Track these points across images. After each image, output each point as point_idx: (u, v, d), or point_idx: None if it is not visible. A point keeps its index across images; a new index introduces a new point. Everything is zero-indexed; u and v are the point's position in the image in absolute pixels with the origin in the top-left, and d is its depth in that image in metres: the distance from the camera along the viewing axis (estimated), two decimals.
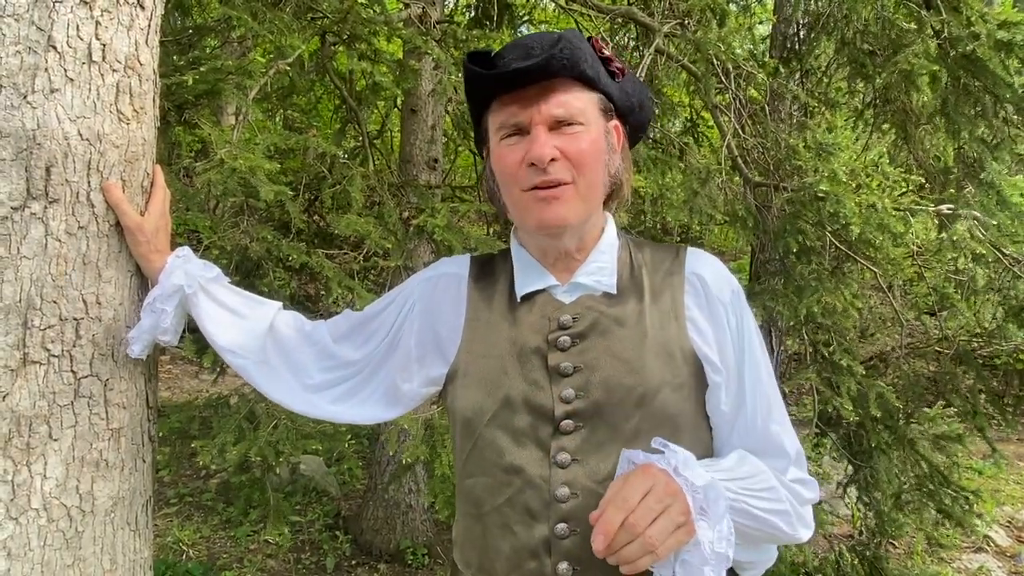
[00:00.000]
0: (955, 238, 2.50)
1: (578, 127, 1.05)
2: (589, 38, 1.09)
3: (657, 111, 3.57)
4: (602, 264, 1.13)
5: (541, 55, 1.01)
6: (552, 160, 1.02)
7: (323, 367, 1.27)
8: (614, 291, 1.11)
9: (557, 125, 1.04)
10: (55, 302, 1.16)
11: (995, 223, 2.64)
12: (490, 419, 1.09)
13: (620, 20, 3.23)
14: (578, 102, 1.05)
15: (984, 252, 2.52)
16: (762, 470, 1.05)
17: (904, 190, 2.72)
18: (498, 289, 1.17)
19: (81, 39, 1.15)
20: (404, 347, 1.21)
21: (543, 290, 1.13)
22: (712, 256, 1.15)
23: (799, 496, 1.06)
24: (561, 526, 1.04)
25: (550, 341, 1.09)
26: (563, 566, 1.04)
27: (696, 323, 1.09)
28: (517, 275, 1.16)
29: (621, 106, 1.13)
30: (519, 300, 1.14)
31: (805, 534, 1.06)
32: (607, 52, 1.10)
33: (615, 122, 1.13)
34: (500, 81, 1.05)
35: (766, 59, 3.22)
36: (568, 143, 1.04)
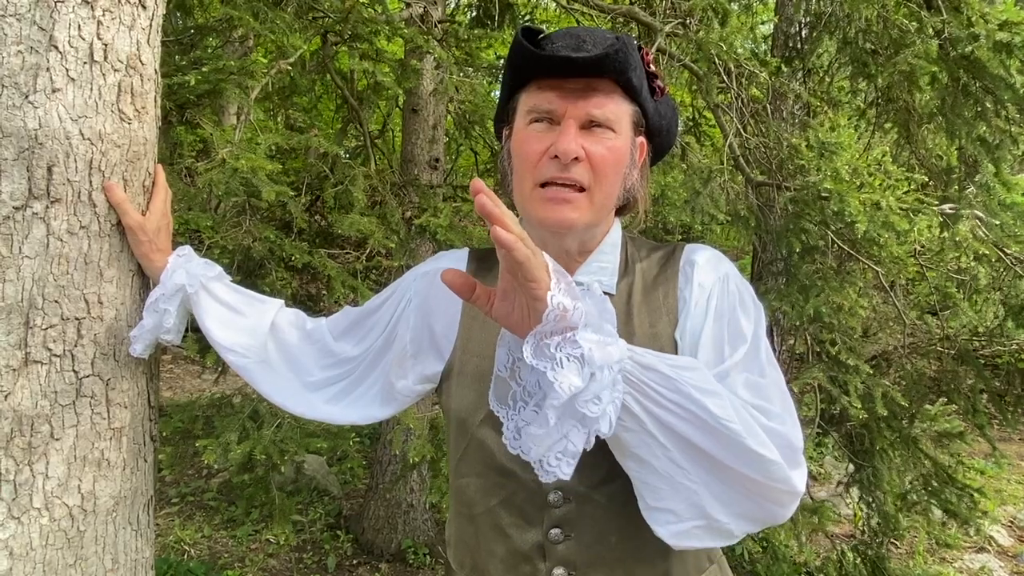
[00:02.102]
0: (957, 238, 2.49)
1: (609, 133, 1.02)
2: (639, 48, 1.06)
3: None
4: (603, 264, 1.11)
5: (594, 51, 0.99)
6: (575, 159, 1.00)
7: (323, 365, 1.27)
8: (613, 291, 1.10)
9: (589, 125, 1.02)
10: (57, 302, 1.16)
11: (998, 223, 2.63)
12: (483, 419, 1.07)
13: (622, 20, 3.23)
14: (616, 109, 1.03)
15: (987, 252, 2.51)
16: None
17: (907, 189, 2.72)
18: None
19: (83, 39, 1.15)
20: (400, 343, 1.20)
21: None
22: (712, 248, 1.12)
23: (751, 413, 0.89)
24: (555, 531, 1.03)
25: None
26: (558, 571, 1.03)
27: (686, 312, 1.06)
28: None
29: (652, 125, 1.10)
30: None
31: (770, 454, 0.84)
32: (653, 68, 1.08)
33: (642, 139, 1.10)
34: (548, 65, 1.02)
35: (768, 58, 3.21)
36: (595, 146, 1.01)
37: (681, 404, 0.84)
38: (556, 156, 1.00)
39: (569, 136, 1.00)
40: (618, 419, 0.82)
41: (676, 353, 1.04)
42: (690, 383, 0.84)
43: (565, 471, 0.80)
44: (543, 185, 1.03)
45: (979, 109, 2.84)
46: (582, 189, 1.02)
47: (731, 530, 0.88)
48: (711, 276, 1.07)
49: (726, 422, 0.83)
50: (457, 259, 1.22)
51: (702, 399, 0.83)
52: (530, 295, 0.77)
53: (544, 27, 1.13)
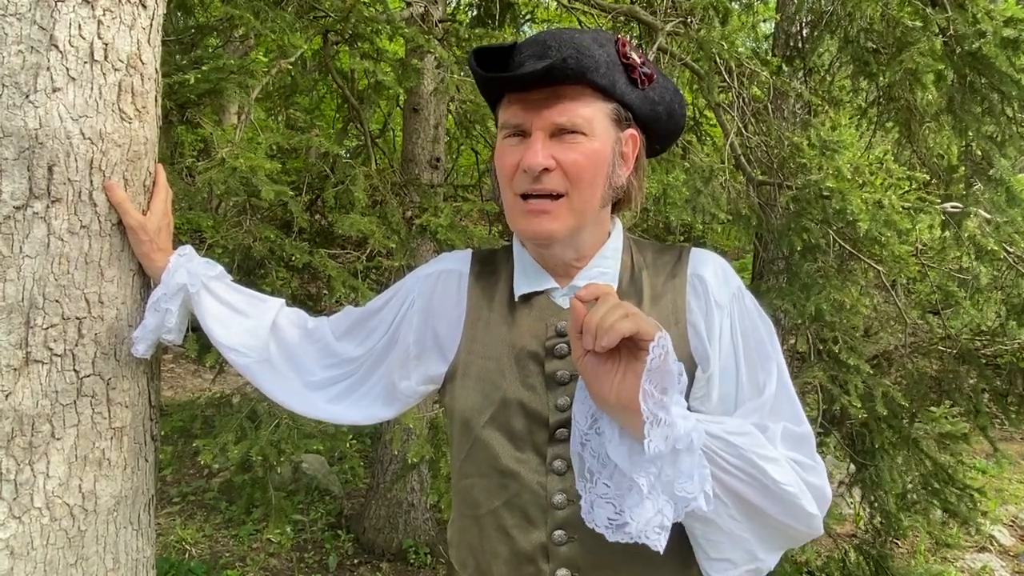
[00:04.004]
0: (966, 234, 2.49)
1: (580, 137, 1.00)
2: (617, 39, 1.04)
3: None
4: (604, 269, 1.10)
5: (541, 63, 0.97)
6: (546, 170, 0.99)
7: (325, 364, 1.26)
8: None
9: (559, 132, 1.00)
10: (57, 301, 1.16)
11: (1004, 220, 2.62)
12: (487, 421, 1.08)
13: (623, 19, 3.22)
14: (586, 110, 1.01)
15: (996, 248, 2.51)
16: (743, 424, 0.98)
17: (908, 188, 2.72)
18: (499, 288, 1.15)
19: (83, 38, 1.15)
20: (403, 344, 1.20)
21: (542, 292, 1.11)
22: (716, 256, 1.11)
23: (797, 471, 0.95)
24: (559, 533, 1.03)
25: (547, 348, 1.07)
26: (562, 572, 1.03)
27: (696, 326, 1.06)
28: (516, 276, 1.14)
29: (642, 115, 1.07)
30: (517, 301, 1.12)
31: (815, 510, 0.93)
32: (633, 57, 1.05)
33: (632, 131, 1.07)
34: (499, 84, 1.02)
35: (769, 57, 3.21)
36: (566, 153, 1.00)
37: (745, 470, 0.89)
38: (526, 170, 1.00)
39: (535, 150, 0.99)
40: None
41: (688, 355, 1.04)
42: (752, 450, 0.90)
43: (664, 544, 0.85)
44: (523, 197, 1.03)
45: (986, 106, 2.83)
46: (559, 196, 1.02)
47: (769, 567, 0.96)
48: (725, 293, 1.07)
49: (785, 486, 0.90)
50: (460, 261, 1.22)
51: (764, 466, 0.90)
52: (640, 344, 0.85)
53: (518, 38, 1.13)
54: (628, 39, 1.07)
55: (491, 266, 1.19)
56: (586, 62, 0.98)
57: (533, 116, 1.01)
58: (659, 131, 1.12)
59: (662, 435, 0.83)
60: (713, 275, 1.08)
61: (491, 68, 1.04)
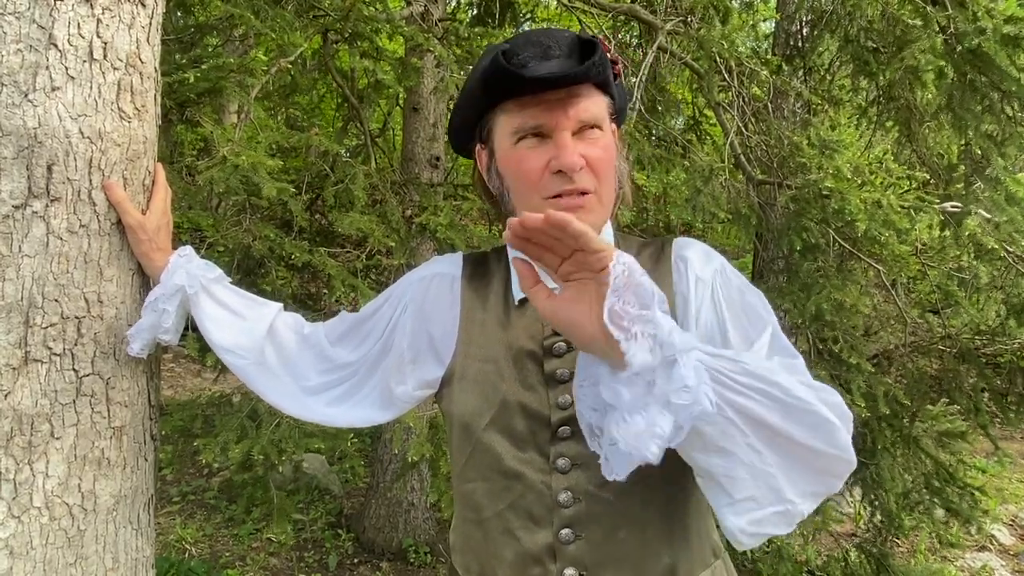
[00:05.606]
0: (967, 232, 2.49)
1: (597, 132, 1.03)
2: (593, 37, 1.06)
3: (660, 108, 3.58)
4: None
5: (562, 58, 0.99)
6: (579, 168, 1.01)
7: (321, 369, 1.26)
8: None
9: (579, 130, 1.02)
10: (57, 300, 1.16)
11: (1004, 219, 2.62)
12: (488, 423, 1.07)
13: (623, 18, 3.22)
14: (598, 108, 1.03)
15: (996, 247, 2.51)
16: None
17: (908, 187, 2.72)
18: (493, 290, 1.15)
19: (82, 37, 1.15)
20: (397, 348, 1.19)
21: None
22: (699, 242, 1.12)
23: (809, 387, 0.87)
24: (565, 531, 1.02)
25: (545, 347, 1.07)
26: (569, 572, 1.02)
27: (682, 301, 1.06)
28: (514, 279, 1.13)
29: (620, 108, 1.12)
30: (515, 303, 1.12)
31: (835, 420, 0.83)
32: (612, 54, 1.08)
33: (614, 124, 1.11)
34: (530, 83, 1.00)
35: (769, 56, 3.21)
36: (590, 149, 1.02)
37: (753, 385, 0.81)
38: (559, 171, 1.00)
39: (569, 149, 0.99)
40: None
41: None
42: (760, 365, 0.82)
43: (659, 453, 0.76)
44: (553, 197, 1.02)
45: (986, 104, 2.83)
46: (587, 192, 1.03)
47: (801, 511, 0.86)
48: (708, 269, 1.06)
49: (797, 393, 0.82)
50: (452, 264, 1.21)
51: (774, 378, 0.81)
52: (595, 265, 0.77)
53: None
54: (604, 39, 1.10)
55: (483, 268, 1.19)
56: (604, 58, 1.01)
57: (557, 116, 1.00)
58: (621, 123, 1.16)
59: (645, 346, 0.76)
60: (696, 255, 1.09)
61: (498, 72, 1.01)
